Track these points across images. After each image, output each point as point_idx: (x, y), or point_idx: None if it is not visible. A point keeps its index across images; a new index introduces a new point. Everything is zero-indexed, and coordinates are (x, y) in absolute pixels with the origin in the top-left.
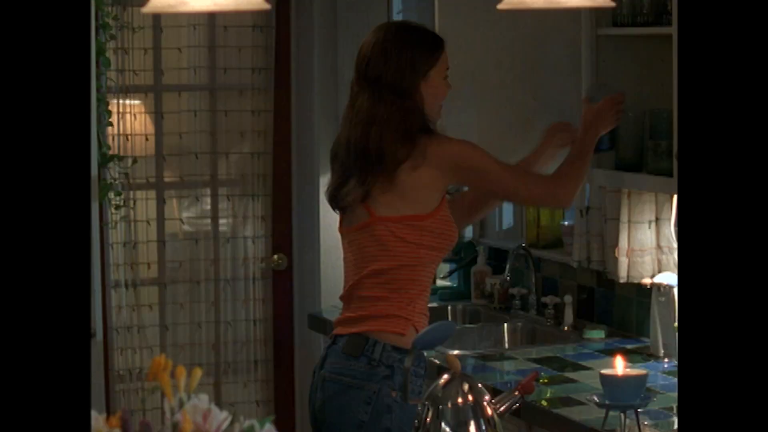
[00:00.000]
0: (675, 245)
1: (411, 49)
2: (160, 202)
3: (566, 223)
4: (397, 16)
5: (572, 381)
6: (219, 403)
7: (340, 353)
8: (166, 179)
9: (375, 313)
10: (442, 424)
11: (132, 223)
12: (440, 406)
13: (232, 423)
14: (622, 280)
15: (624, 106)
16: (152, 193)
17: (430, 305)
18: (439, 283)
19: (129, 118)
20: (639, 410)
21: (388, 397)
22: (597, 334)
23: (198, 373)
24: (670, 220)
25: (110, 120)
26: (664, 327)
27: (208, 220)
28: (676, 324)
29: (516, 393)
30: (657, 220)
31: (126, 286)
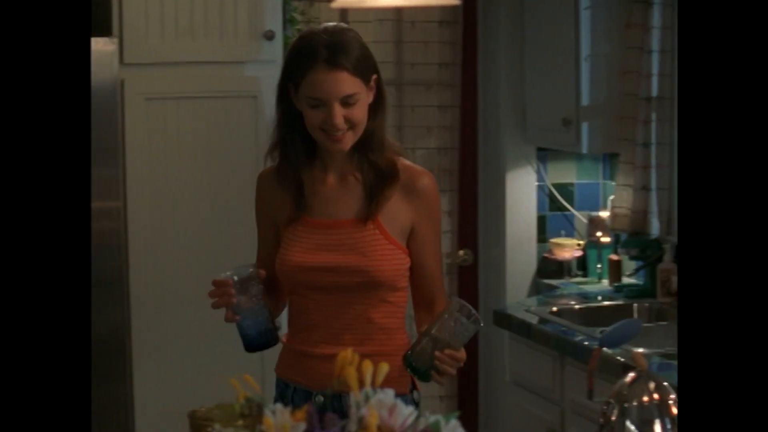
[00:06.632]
0: None
1: (286, 62)
2: None
3: None
4: (584, 12)
5: None
6: None
7: None
8: None
9: None
10: (627, 422)
11: None
12: (625, 404)
13: (417, 419)
14: None
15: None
16: None
17: (616, 302)
18: (625, 280)
19: None
20: None
21: None
22: None
23: (384, 367)
24: None
25: None
26: None
27: None
28: None
29: None
30: None
31: None
